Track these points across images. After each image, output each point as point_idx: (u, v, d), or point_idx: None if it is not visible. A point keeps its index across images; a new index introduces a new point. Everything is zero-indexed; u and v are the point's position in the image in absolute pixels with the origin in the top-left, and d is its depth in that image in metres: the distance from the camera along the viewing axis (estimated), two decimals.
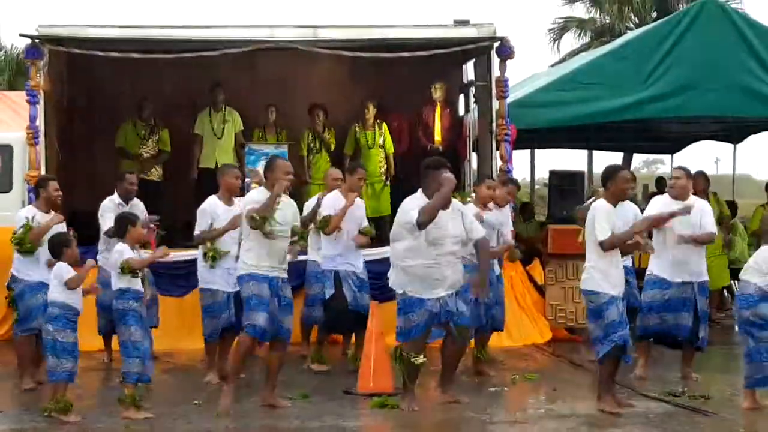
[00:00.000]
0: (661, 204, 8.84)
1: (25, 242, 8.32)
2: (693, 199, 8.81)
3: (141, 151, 12.13)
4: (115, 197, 9.58)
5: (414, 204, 7.54)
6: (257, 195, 7.70)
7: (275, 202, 7.46)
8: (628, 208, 8.53)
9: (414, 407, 7.63)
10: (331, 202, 9.23)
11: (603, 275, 7.42)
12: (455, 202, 7.80)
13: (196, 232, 8.69)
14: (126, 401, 7.34)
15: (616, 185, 7.53)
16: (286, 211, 7.67)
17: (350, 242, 9.23)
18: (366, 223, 9.40)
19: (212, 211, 8.63)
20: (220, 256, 8.57)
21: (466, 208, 7.96)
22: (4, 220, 10.09)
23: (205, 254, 8.66)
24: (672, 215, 8.54)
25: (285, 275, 7.72)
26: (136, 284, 7.39)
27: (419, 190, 7.67)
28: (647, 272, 8.88)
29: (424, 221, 7.39)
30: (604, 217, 7.41)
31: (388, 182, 12.24)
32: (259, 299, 7.52)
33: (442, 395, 7.92)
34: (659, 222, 8.52)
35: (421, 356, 7.59)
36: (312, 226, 9.25)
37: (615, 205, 7.54)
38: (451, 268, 7.57)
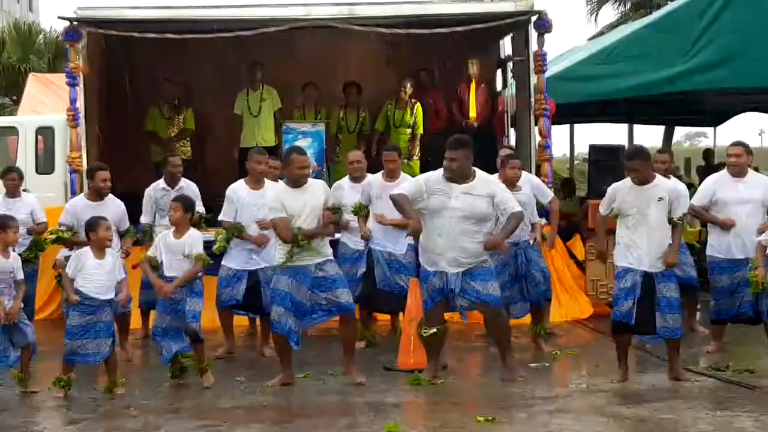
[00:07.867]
0: (715, 180, 8.79)
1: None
2: (751, 174, 8.77)
3: (170, 132, 12.18)
4: (161, 182, 9.65)
5: (421, 179, 7.70)
6: (276, 193, 7.64)
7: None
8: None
9: (431, 378, 7.61)
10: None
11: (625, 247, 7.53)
12: (489, 177, 7.69)
13: (221, 216, 8.82)
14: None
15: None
16: (303, 200, 7.51)
17: (388, 226, 9.17)
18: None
19: (236, 196, 8.73)
20: (224, 246, 8.75)
21: (500, 186, 7.75)
22: (48, 201, 10.19)
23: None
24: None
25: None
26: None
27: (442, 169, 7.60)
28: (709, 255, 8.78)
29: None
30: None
31: (408, 162, 11.79)
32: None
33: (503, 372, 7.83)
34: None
35: (433, 329, 7.60)
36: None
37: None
38: (453, 243, 7.42)
